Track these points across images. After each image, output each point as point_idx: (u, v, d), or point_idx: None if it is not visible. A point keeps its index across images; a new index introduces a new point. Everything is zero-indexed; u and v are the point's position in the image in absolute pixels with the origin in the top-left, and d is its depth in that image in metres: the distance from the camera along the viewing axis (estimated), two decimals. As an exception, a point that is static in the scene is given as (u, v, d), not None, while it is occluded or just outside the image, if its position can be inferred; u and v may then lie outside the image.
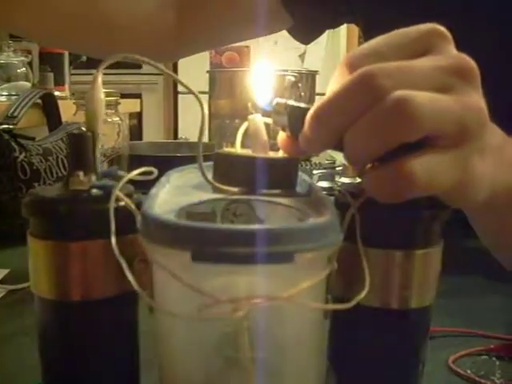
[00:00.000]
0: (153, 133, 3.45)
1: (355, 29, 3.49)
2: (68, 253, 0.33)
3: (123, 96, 1.07)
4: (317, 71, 1.70)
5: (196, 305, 0.27)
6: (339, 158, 1.46)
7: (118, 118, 0.95)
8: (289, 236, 0.27)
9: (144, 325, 0.36)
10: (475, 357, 0.47)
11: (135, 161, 1.00)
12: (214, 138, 0.75)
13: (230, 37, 0.92)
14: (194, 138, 1.55)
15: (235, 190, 0.36)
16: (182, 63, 3.20)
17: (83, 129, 0.36)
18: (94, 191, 0.34)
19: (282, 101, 0.36)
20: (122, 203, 0.34)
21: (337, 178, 1.16)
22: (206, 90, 1.43)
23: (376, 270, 0.35)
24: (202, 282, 0.27)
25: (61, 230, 0.34)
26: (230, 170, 0.36)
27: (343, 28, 3.39)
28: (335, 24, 0.91)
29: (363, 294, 0.31)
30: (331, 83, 0.35)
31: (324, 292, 0.32)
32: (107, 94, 1.00)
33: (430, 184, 0.32)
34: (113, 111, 0.95)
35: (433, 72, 0.33)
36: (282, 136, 0.37)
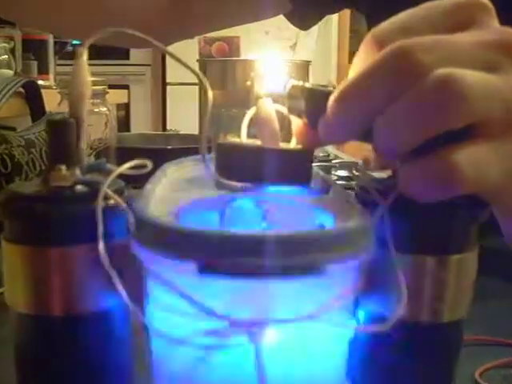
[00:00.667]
0: (141, 125, 3.39)
1: (347, 20, 3.45)
2: (48, 260, 0.28)
3: (110, 87, 1.02)
4: (309, 61, 1.65)
5: (203, 327, 0.22)
6: (333, 151, 1.41)
7: (105, 109, 0.90)
8: (317, 243, 0.22)
9: (138, 342, 0.31)
10: (504, 369, 0.43)
11: (124, 153, 0.95)
12: (208, 130, 0.71)
13: (223, 20, 0.87)
14: (183, 130, 1.49)
15: (241, 185, 0.31)
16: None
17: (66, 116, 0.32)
18: (79, 188, 0.29)
19: (299, 83, 0.31)
20: (112, 202, 0.29)
21: (333, 172, 1.12)
22: (196, 81, 1.38)
23: (404, 278, 0.30)
24: (212, 300, 0.22)
25: (39, 233, 0.29)
26: (235, 163, 0.32)
27: (335, 19, 3.34)
28: (335, 9, 0.86)
29: (400, 310, 0.26)
30: (355, 64, 0.31)
31: (352, 306, 0.27)
32: (94, 83, 0.95)
33: (477, 179, 0.27)
34: (100, 101, 0.90)
35: (477, 48, 0.28)
36: (297, 124, 0.32)
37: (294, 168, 0.31)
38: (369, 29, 0.82)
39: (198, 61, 1.54)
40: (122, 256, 0.28)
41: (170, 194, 0.30)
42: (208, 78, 1.27)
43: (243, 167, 0.31)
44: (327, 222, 0.27)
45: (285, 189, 0.31)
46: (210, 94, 0.34)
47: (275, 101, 0.33)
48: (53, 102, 1.03)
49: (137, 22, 0.87)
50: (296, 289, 0.23)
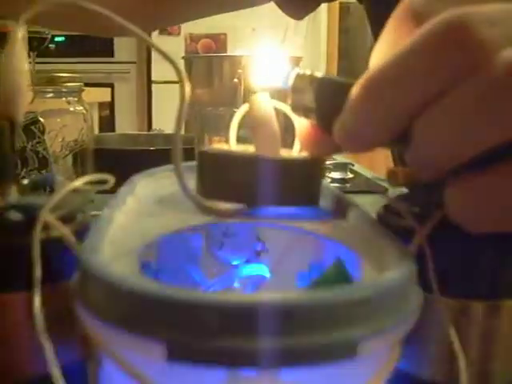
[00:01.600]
0: (126, 124, 3.30)
1: (336, 16, 3.38)
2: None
3: (93, 85, 0.95)
4: (301, 57, 1.58)
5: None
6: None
7: (81, 107, 0.83)
8: (347, 312, 0.15)
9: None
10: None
11: (102, 155, 0.88)
12: (193, 130, 0.63)
13: (211, 6, 0.79)
14: (169, 130, 1.41)
15: (229, 209, 0.24)
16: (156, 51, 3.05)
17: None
18: (13, 214, 0.22)
19: (305, 72, 0.24)
20: (56, 233, 0.21)
21: (327, 174, 1.05)
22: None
23: (442, 328, 0.23)
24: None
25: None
26: (222, 177, 0.24)
27: (324, 15, 3.27)
28: (333, -4, 0.79)
29: (462, 379, 0.19)
30: (382, 46, 0.23)
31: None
32: (68, 80, 0.87)
33: None
34: (75, 99, 0.82)
35: None
36: (303, 125, 0.24)
37: (299, 184, 0.24)
38: (369, 20, 0.75)
39: (183, 58, 1.47)
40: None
41: (135, 221, 0.22)
42: (194, 75, 1.18)
43: (232, 183, 0.24)
44: (349, 265, 0.20)
45: (287, 212, 0.24)
46: (188, 88, 0.27)
47: (273, 96, 0.26)
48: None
49: (113, 6, 0.79)
50: (311, 379, 0.16)
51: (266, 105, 0.24)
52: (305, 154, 0.25)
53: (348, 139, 0.22)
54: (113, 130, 3.07)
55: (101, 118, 2.37)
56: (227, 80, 1.21)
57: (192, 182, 0.25)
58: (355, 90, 0.21)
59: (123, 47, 3.18)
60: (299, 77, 0.24)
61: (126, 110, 3.36)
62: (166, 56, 0.26)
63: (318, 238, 0.22)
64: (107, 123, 2.99)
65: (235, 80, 0.99)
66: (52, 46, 3.06)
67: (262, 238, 0.23)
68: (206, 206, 0.23)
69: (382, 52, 0.23)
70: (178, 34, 2.95)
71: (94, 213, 0.57)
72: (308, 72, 0.24)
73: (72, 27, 0.75)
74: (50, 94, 0.82)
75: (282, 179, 0.23)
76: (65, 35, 2.97)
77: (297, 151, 0.25)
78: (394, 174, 0.23)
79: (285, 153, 0.25)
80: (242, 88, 0.99)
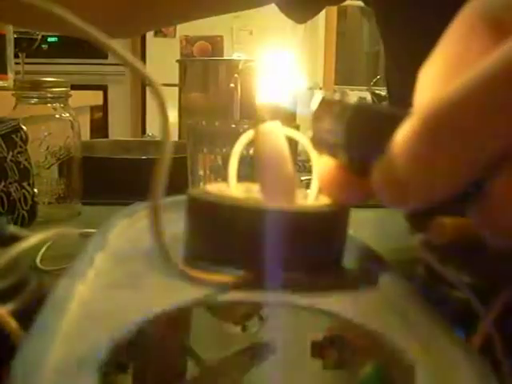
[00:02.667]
0: (119, 127, 3.24)
1: (334, 20, 3.34)
2: None
3: (87, 87, 0.90)
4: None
5: None
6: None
7: (67, 114, 0.78)
8: None
9: None
10: None
11: (90, 165, 0.83)
12: (187, 143, 0.58)
13: (210, 6, 0.73)
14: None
15: (227, 278, 0.18)
16: (150, 54, 3.00)
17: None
18: None
19: (333, 97, 0.19)
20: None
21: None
22: (177, 82, 1.26)
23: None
24: None
25: None
26: (218, 234, 0.19)
27: (321, 19, 3.23)
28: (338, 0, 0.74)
29: None
30: (441, 56, 0.18)
31: None
32: (54, 84, 0.81)
33: None
34: (61, 105, 0.77)
35: None
36: (326, 165, 0.19)
37: (319, 242, 0.19)
38: (378, 23, 0.70)
39: (177, 61, 1.42)
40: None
41: (102, 299, 0.17)
42: (188, 79, 1.12)
43: (232, 242, 0.18)
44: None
45: (302, 279, 0.18)
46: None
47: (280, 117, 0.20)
48: (8, 105, 0.90)
49: (100, 9, 0.74)
50: None
51: (277, 138, 0.19)
52: (325, 199, 0.19)
53: (395, 190, 0.16)
54: (105, 133, 3.01)
55: (93, 121, 2.31)
56: (223, 85, 1.15)
57: (180, 226, 0.19)
58: (409, 128, 0.16)
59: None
60: (325, 103, 0.19)
61: (119, 113, 3.30)
62: (140, 72, 0.21)
63: (342, 324, 0.16)
64: (100, 126, 2.93)
65: (231, 85, 0.94)
66: (45, 46, 3.01)
67: (268, 321, 0.18)
68: (195, 277, 0.17)
69: (441, 68, 0.18)
70: (174, 35, 2.90)
71: (80, 231, 0.50)
72: (336, 97, 0.18)
73: (42, 27, 0.70)
74: (34, 100, 0.77)
75: (297, 237, 0.18)
76: (58, 36, 2.91)
77: (314, 195, 0.20)
78: (442, 227, 0.18)
79: (300, 197, 0.19)
80: (239, 93, 0.93)
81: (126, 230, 0.22)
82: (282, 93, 0.20)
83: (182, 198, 0.21)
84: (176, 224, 0.20)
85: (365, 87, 3.26)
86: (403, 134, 0.16)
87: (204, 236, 0.19)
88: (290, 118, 0.21)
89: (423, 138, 0.16)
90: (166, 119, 0.16)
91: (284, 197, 0.19)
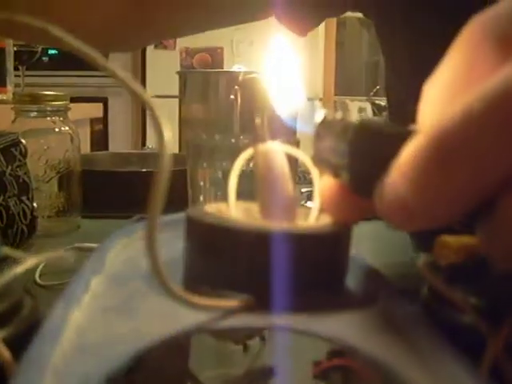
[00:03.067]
0: (120, 140, 3.24)
1: (333, 31, 3.34)
2: None
3: (87, 99, 0.90)
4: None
5: None
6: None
7: (67, 128, 0.77)
8: None
9: None
10: None
11: (90, 178, 0.83)
12: (187, 157, 0.58)
13: (207, 20, 0.73)
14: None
15: (229, 303, 0.17)
16: (150, 65, 3.00)
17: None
18: None
19: (336, 116, 0.18)
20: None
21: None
22: (177, 93, 1.26)
23: None
24: None
25: None
26: (217, 257, 0.18)
27: (321, 30, 3.24)
28: (338, 12, 0.73)
29: None
30: (448, 70, 0.17)
31: None
32: (53, 98, 0.81)
33: None
34: (61, 119, 0.77)
35: None
36: (328, 185, 0.19)
37: (322, 263, 0.18)
38: (378, 34, 0.70)
39: (177, 72, 1.41)
40: None
41: (99, 325, 0.16)
42: (188, 91, 1.12)
43: (231, 265, 0.18)
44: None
45: (301, 302, 0.18)
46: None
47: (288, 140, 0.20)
48: (7, 119, 0.90)
49: (102, 24, 0.74)
50: None
51: (276, 157, 0.18)
52: (327, 217, 0.19)
53: (399, 213, 0.16)
54: (106, 145, 3.01)
55: (93, 134, 2.31)
56: (224, 97, 1.15)
57: (179, 245, 0.19)
58: (415, 149, 0.15)
59: (117, 60, 3.13)
60: (326, 121, 0.18)
61: (120, 125, 3.30)
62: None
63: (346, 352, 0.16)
64: (100, 139, 2.93)
65: (232, 97, 0.94)
66: (45, 59, 3.02)
67: (269, 343, 0.17)
68: (195, 303, 0.17)
69: (448, 83, 0.17)
70: (174, 47, 2.91)
71: (77, 245, 0.49)
72: (339, 116, 0.18)
73: (40, 43, 0.70)
74: (34, 113, 0.76)
75: (299, 259, 0.17)
76: (58, 48, 2.92)
77: (315, 213, 0.19)
78: (447, 246, 0.17)
79: (301, 216, 0.19)
80: (239, 106, 0.93)
81: (124, 250, 0.21)
82: (284, 105, 0.20)
83: (181, 215, 0.21)
84: (175, 243, 0.20)
85: (364, 97, 3.26)
86: (408, 155, 0.16)
87: (203, 259, 0.18)
88: (290, 133, 0.20)
89: (431, 160, 0.15)
90: (162, 142, 0.16)
91: (284, 217, 0.18)
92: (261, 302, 0.17)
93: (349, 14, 0.72)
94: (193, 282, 0.18)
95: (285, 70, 0.20)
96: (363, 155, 0.17)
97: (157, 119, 0.16)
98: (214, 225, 0.18)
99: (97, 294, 0.17)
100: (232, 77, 1.15)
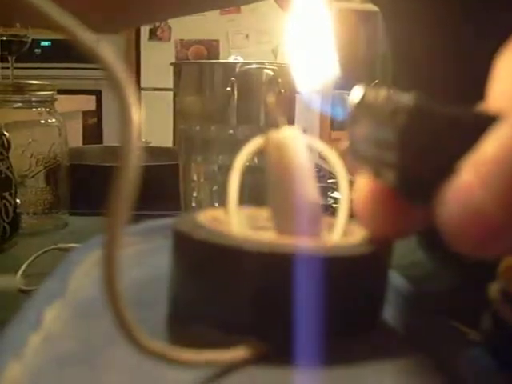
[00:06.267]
0: (114, 133, 3.20)
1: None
2: None
3: (80, 92, 0.86)
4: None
5: None
6: (324, 165, 1.24)
7: (54, 120, 0.74)
8: None
9: None
10: None
11: (78, 172, 0.80)
12: (179, 150, 0.54)
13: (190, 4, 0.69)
14: (156, 142, 1.32)
15: (229, 354, 0.13)
16: (145, 57, 2.96)
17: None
18: None
19: (379, 95, 0.14)
20: None
21: (329, 193, 0.96)
22: (171, 86, 1.22)
23: None
24: None
25: None
26: (214, 285, 0.14)
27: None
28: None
29: None
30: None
31: None
32: (38, 88, 0.77)
33: None
34: (47, 110, 0.73)
35: None
36: (364, 187, 0.14)
37: (353, 295, 0.14)
38: (386, 22, 0.66)
39: (172, 64, 1.37)
40: None
41: (50, 380, 0.11)
42: (183, 83, 1.06)
43: (232, 297, 0.13)
44: None
45: (333, 345, 0.13)
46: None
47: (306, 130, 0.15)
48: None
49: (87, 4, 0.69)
50: None
51: (295, 150, 0.14)
52: (358, 231, 0.14)
53: (475, 229, 0.11)
54: (100, 139, 2.98)
55: (87, 127, 2.26)
56: (219, 89, 1.11)
57: (163, 261, 0.14)
58: (502, 143, 0.11)
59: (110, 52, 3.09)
60: (366, 102, 0.14)
61: (114, 118, 3.26)
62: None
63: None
64: (94, 132, 2.89)
65: (228, 89, 0.90)
66: (38, 50, 2.96)
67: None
68: (181, 361, 0.12)
69: None
70: (168, 39, 2.86)
71: (63, 245, 0.46)
72: (383, 94, 0.13)
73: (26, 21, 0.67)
74: (18, 104, 0.73)
75: (327, 290, 0.13)
76: (51, 40, 2.87)
77: (341, 226, 0.15)
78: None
79: (322, 232, 0.14)
80: (236, 98, 0.90)
81: (94, 268, 0.17)
82: (311, 82, 0.15)
83: (170, 222, 0.17)
84: (165, 254, 0.16)
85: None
86: (491, 150, 0.11)
87: (195, 287, 0.14)
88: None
89: None
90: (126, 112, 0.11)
91: (306, 231, 0.14)
92: (276, 349, 0.12)
93: (345, 5, 0.68)
94: (180, 318, 0.13)
95: (314, 37, 0.16)
96: (420, 147, 0.13)
97: (117, 81, 0.11)
98: (208, 242, 0.13)
99: (50, 335, 0.13)
100: (228, 68, 1.10)
